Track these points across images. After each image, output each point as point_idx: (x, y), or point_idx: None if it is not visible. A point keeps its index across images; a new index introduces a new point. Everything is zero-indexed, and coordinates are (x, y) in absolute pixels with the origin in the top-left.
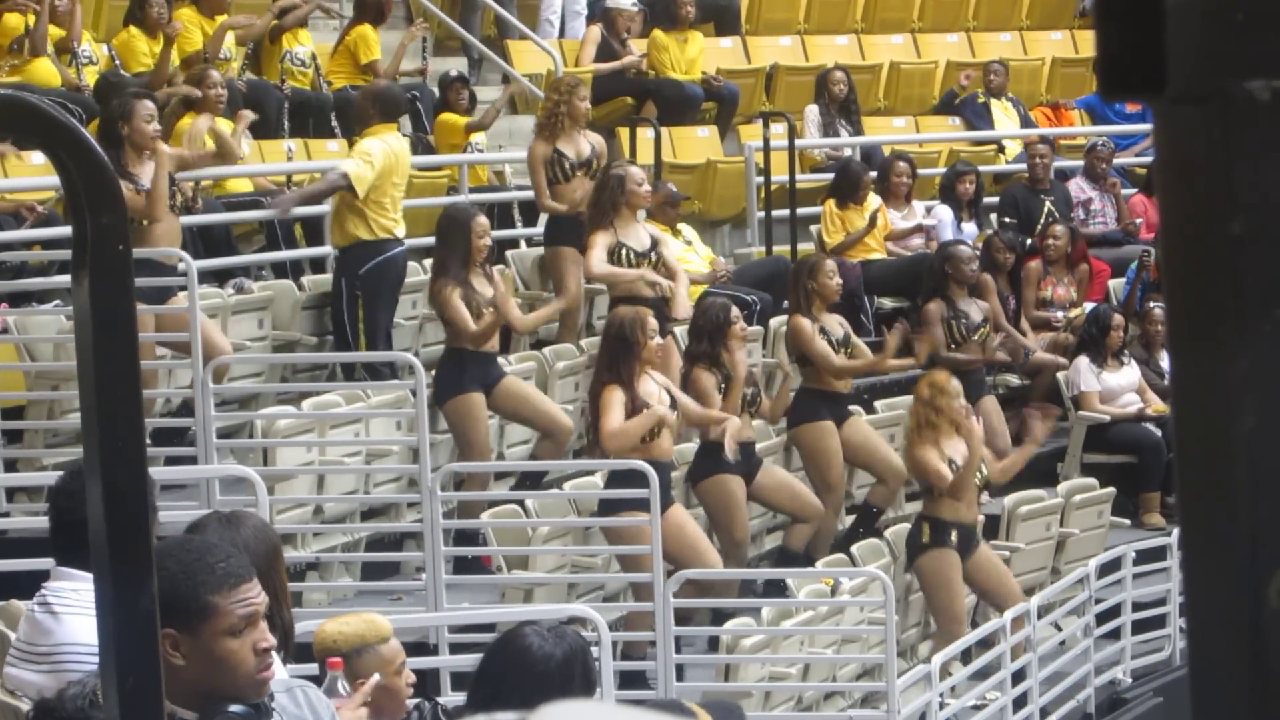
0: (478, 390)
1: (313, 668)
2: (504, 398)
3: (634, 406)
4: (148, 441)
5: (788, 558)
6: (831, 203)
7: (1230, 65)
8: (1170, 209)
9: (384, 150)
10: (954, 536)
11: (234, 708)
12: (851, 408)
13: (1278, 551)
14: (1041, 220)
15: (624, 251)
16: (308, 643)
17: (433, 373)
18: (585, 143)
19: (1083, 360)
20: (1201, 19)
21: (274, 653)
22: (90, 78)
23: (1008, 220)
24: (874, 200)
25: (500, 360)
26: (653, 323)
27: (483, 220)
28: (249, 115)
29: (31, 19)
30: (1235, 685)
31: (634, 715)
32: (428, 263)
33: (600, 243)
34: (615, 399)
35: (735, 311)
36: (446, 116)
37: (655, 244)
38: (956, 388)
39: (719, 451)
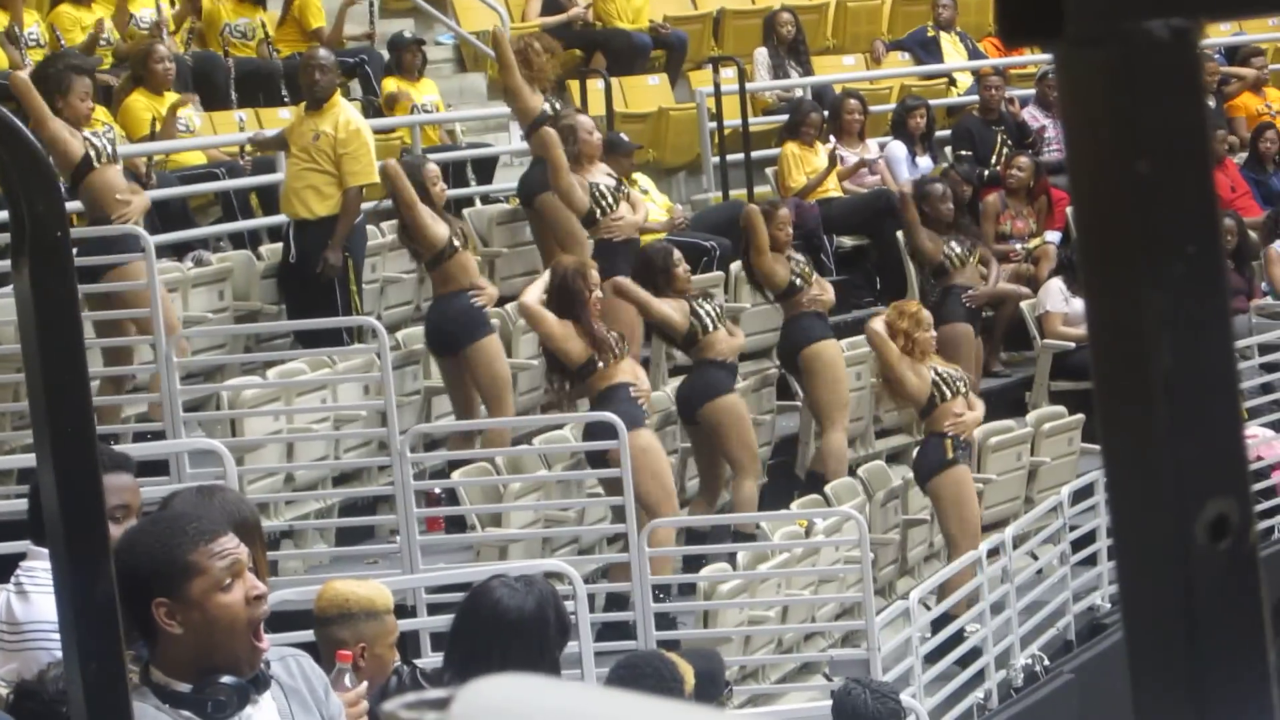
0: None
1: (294, 635)
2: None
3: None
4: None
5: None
6: (790, 145)
7: (1127, 6)
8: (1076, 153)
9: (367, 128)
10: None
11: (226, 678)
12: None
13: (1202, 489)
14: (996, 151)
15: (596, 190)
16: (284, 611)
17: (399, 334)
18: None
19: (1055, 282)
20: None
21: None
22: (35, 59)
23: (962, 153)
24: (830, 140)
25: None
26: (594, 274)
27: (433, 167)
28: (188, 101)
29: None
30: (1167, 624)
31: (569, 690)
32: (385, 225)
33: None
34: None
35: (677, 255)
36: (390, 82)
37: (620, 183)
38: (928, 317)
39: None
